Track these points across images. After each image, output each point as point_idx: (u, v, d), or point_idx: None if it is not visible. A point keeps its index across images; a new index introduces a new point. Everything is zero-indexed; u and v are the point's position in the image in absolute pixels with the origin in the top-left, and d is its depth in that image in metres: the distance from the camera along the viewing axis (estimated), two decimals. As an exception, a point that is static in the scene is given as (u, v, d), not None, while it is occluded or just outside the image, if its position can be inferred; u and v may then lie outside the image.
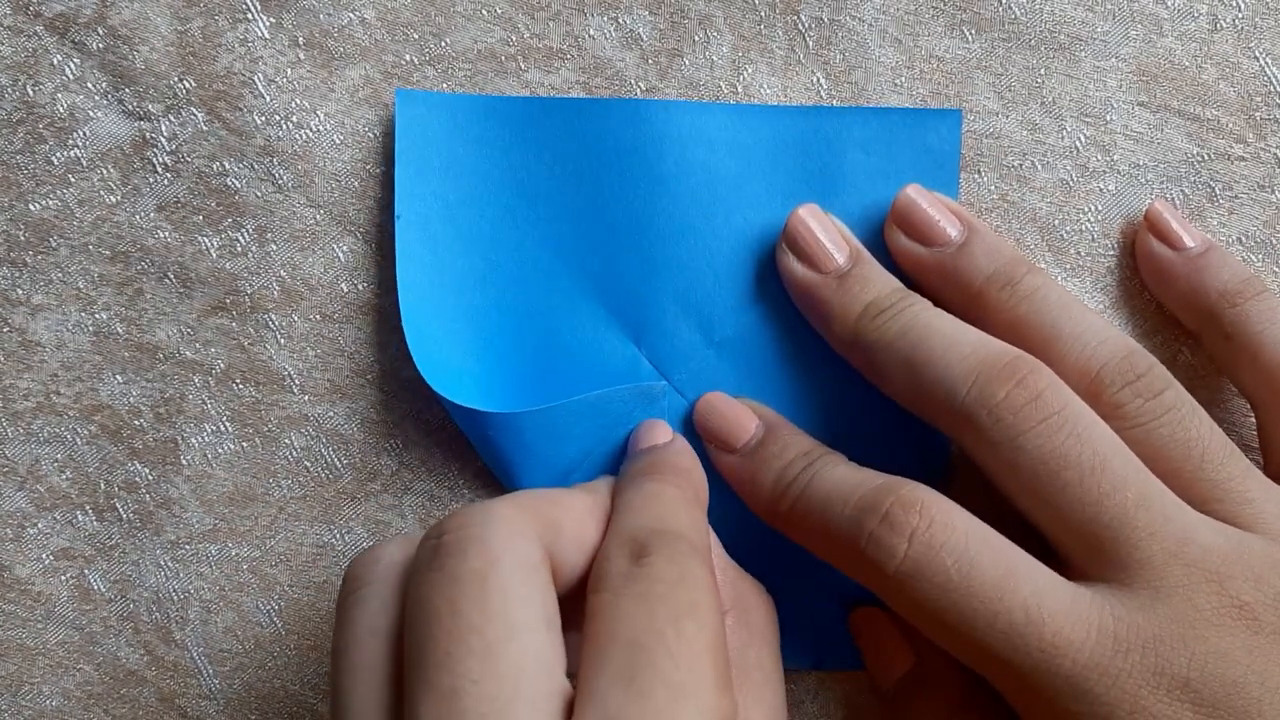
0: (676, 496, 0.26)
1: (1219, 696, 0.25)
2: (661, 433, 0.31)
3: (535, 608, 0.22)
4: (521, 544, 0.23)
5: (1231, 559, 0.25)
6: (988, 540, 0.26)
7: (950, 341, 0.28)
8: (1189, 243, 0.31)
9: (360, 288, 0.32)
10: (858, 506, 0.27)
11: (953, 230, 0.30)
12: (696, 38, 0.32)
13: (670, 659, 0.21)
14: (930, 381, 0.28)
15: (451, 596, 0.22)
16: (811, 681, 0.32)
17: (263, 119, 0.32)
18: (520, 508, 0.24)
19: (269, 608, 0.32)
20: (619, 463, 0.31)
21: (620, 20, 0.32)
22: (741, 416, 0.31)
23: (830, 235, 0.30)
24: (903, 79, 0.32)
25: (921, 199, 0.30)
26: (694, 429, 0.32)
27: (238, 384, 0.32)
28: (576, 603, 0.24)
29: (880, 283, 0.30)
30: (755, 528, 0.32)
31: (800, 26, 0.32)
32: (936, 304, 0.30)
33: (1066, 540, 0.26)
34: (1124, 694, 0.25)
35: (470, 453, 0.32)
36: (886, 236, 0.31)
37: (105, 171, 0.32)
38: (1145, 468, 0.27)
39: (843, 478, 0.28)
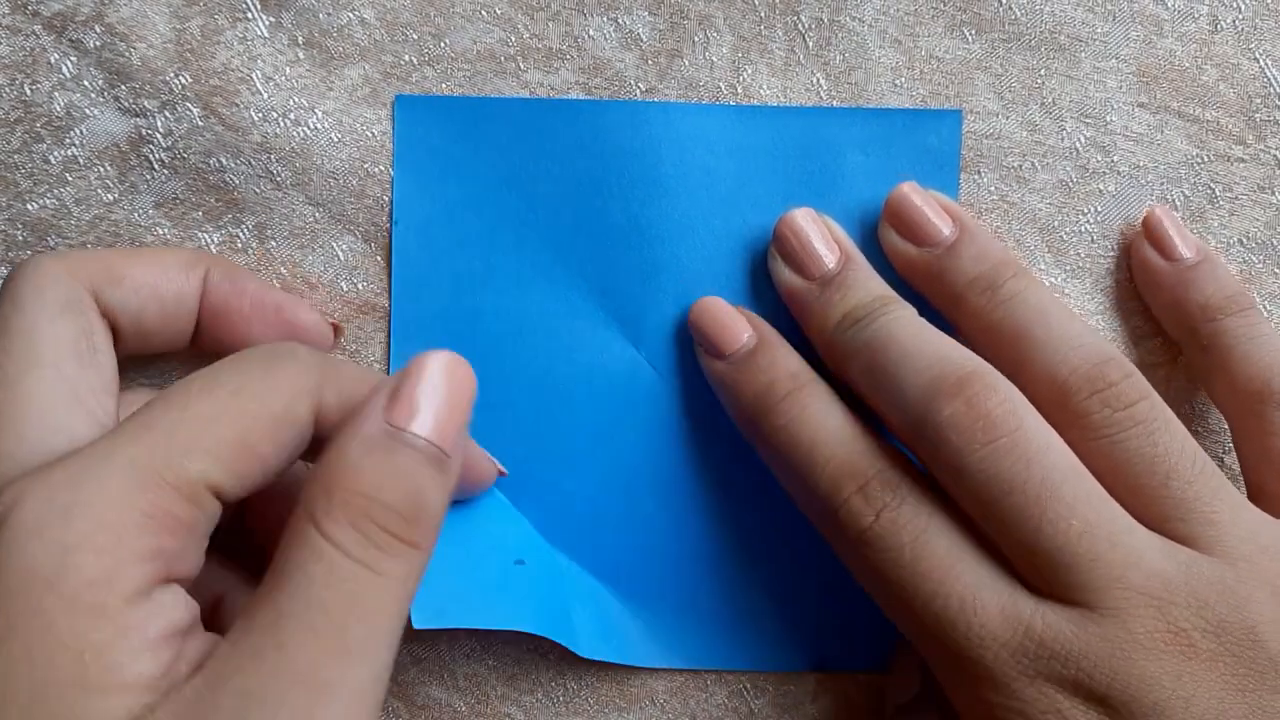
0: (432, 481, 0.23)
1: (1137, 716, 0.25)
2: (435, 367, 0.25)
3: (62, 344, 0.25)
4: (51, 289, 0.26)
5: (1176, 584, 0.25)
6: (948, 529, 0.27)
7: (908, 352, 0.28)
8: (1184, 253, 0.31)
9: (360, 287, 0.32)
10: (839, 469, 0.28)
11: (944, 229, 0.30)
12: (696, 38, 0.32)
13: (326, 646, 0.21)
14: (885, 393, 0.28)
15: None
16: (811, 682, 0.32)
17: (259, 115, 0.32)
18: (60, 258, 0.27)
19: (266, 608, 0.32)
20: (615, 437, 0.32)
21: (620, 21, 0.32)
22: (735, 323, 0.31)
23: (822, 238, 0.30)
24: (903, 79, 0.32)
25: (915, 196, 0.30)
26: (685, 439, 0.32)
27: (235, 384, 0.32)
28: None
29: (862, 290, 0.29)
30: (756, 531, 0.32)
31: (800, 27, 0.32)
32: (927, 306, 0.30)
33: (1013, 556, 0.27)
34: (1041, 695, 0.25)
35: (469, 453, 0.32)
36: (880, 234, 0.31)
37: (102, 169, 0.32)
38: (1100, 490, 0.26)
39: (834, 429, 0.28)
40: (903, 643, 0.32)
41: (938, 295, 0.30)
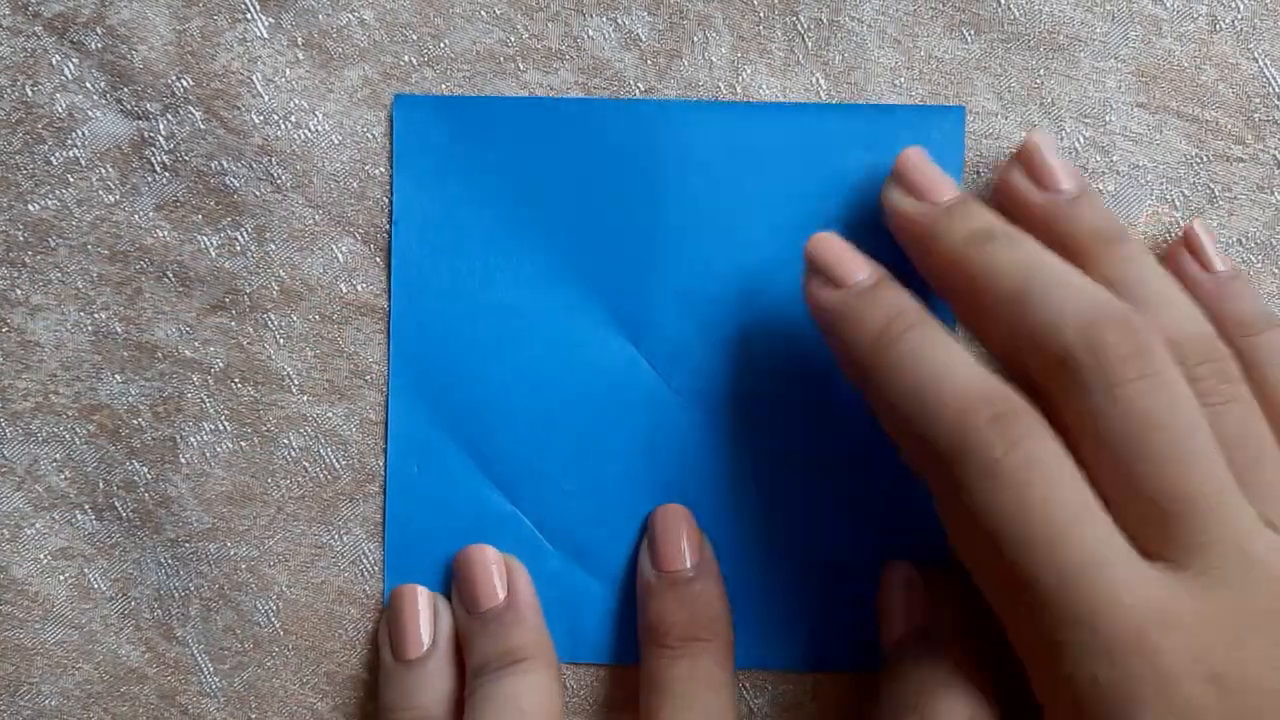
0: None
1: (1250, 700, 0.23)
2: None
3: None
4: None
5: None
6: (1077, 478, 0.25)
7: (1058, 280, 0.27)
8: (1220, 266, 0.31)
9: (359, 288, 0.32)
10: (972, 395, 0.26)
11: (1068, 181, 0.30)
12: (695, 38, 0.32)
13: None
14: (1036, 316, 0.27)
15: None
16: (811, 682, 0.32)
17: (261, 118, 0.32)
18: None
19: (267, 608, 0.32)
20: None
21: (619, 21, 0.32)
22: (857, 257, 0.30)
23: (941, 173, 0.30)
24: (902, 80, 0.32)
25: (1045, 144, 0.30)
26: (684, 438, 0.32)
27: (236, 383, 0.32)
28: None
29: (988, 217, 0.29)
30: (755, 531, 0.32)
31: (799, 27, 0.32)
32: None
33: (1133, 508, 0.25)
34: (1155, 670, 0.23)
35: (469, 453, 0.32)
36: (1002, 176, 0.30)
37: (104, 171, 0.32)
38: (1221, 451, 0.25)
39: (963, 360, 0.27)
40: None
41: (1058, 240, 0.29)
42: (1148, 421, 0.25)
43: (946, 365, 0.27)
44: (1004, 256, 0.28)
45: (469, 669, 0.31)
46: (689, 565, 0.31)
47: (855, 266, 0.29)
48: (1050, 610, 0.24)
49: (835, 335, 0.29)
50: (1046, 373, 0.27)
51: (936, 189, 0.30)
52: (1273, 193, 0.32)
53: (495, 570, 0.31)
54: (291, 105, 0.32)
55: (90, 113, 0.32)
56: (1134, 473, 0.25)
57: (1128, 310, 0.26)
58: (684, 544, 0.31)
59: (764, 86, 0.32)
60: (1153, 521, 0.25)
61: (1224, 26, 0.32)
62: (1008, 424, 0.25)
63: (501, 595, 0.31)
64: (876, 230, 0.31)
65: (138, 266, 0.32)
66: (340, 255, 0.32)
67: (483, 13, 0.32)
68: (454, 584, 0.32)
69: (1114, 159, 0.32)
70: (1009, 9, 0.32)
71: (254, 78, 0.32)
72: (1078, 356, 0.26)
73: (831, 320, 0.29)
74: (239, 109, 0.32)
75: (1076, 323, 0.26)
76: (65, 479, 0.32)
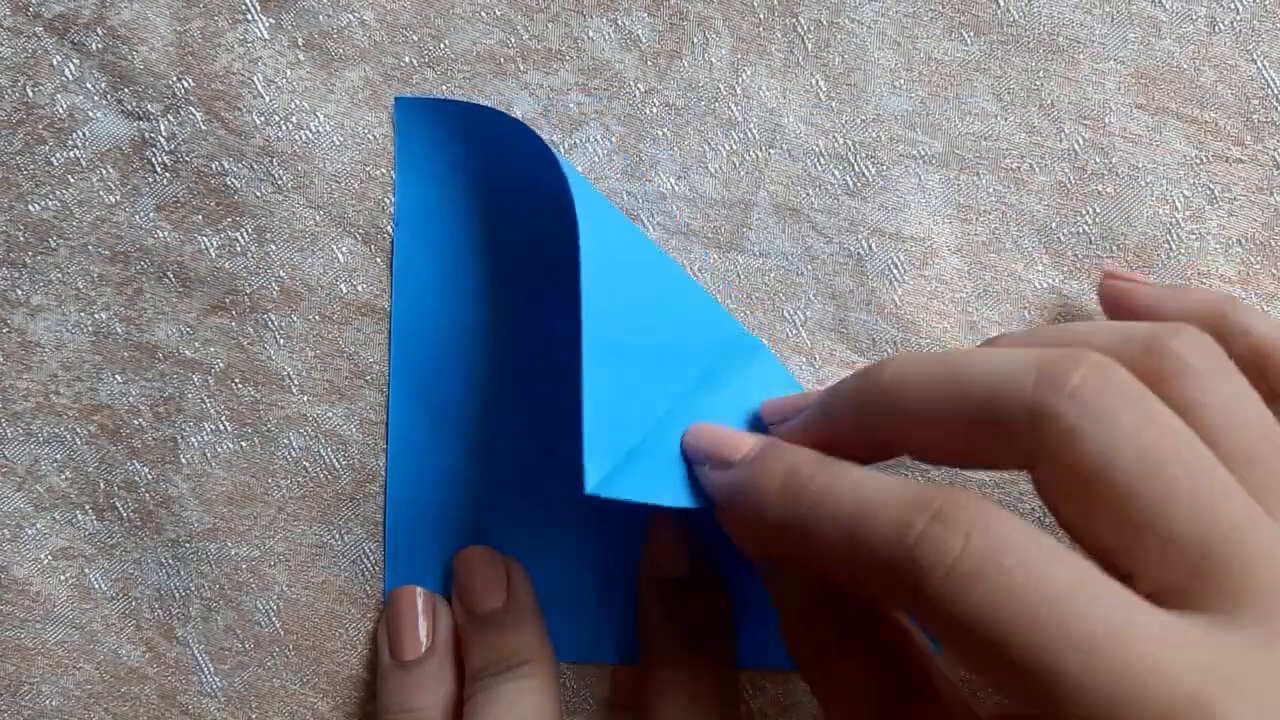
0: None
1: None
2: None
3: None
4: None
5: None
6: (1052, 545, 0.21)
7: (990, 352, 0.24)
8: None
9: (359, 289, 0.32)
10: (903, 505, 0.22)
11: None
12: (695, 39, 0.32)
13: None
14: (984, 385, 0.23)
15: None
16: (809, 682, 0.32)
17: (262, 119, 0.32)
18: None
19: (268, 607, 0.32)
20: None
21: (619, 22, 0.32)
22: (733, 434, 0.27)
23: None
24: (901, 81, 0.32)
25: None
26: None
27: (237, 383, 0.32)
28: None
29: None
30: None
31: (799, 29, 0.32)
32: None
33: (1160, 558, 0.21)
34: None
35: (469, 453, 0.32)
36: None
37: (104, 172, 0.32)
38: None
39: (880, 479, 0.24)
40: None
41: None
42: (1159, 457, 0.22)
43: (860, 495, 0.23)
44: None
45: (467, 672, 0.31)
46: (688, 573, 0.31)
47: (737, 441, 0.27)
48: (1082, 698, 0.20)
49: (741, 510, 0.26)
50: (1021, 432, 0.23)
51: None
52: (1272, 194, 0.32)
53: (494, 572, 0.31)
54: (292, 106, 0.32)
55: (91, 113, 0.32)
56: (1154, 520, 0.21)
57: (1076, 353, 0.23)
58: (684, 550, 0.31)
59: (764, 88, 0.32)
60: (1192, 570, 0.21)
61: (1223, 28, 0.32)
62: (950, 521, 0.22)
63: (500, 597, 0.31)
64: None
65: (138, 267, 0.32)
66: (340, 255, 0.32)
67: (483, 14, 0.32)
68: (453, 585, 0.32)
69: (1113, 160, 0.32)
70: (1008, 11, 0.32)
71: (255, 78, 0.32)
72: (1047, 406, 0.22)
73: (733, 497, 0.27)
74: (240, 110, 0.32)
75: (1028, 376, 0.23)
76: (66, 479, 0.32)
